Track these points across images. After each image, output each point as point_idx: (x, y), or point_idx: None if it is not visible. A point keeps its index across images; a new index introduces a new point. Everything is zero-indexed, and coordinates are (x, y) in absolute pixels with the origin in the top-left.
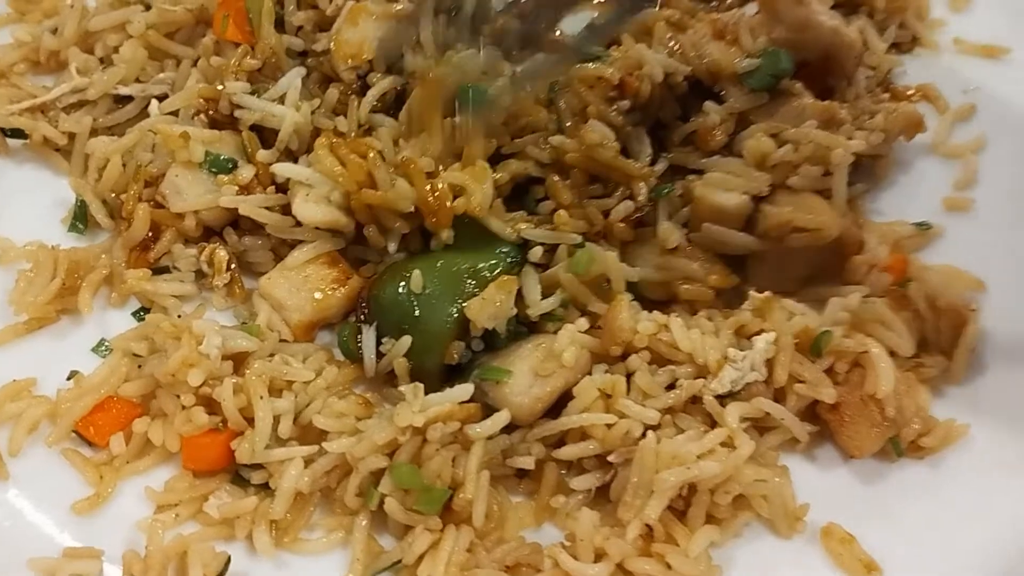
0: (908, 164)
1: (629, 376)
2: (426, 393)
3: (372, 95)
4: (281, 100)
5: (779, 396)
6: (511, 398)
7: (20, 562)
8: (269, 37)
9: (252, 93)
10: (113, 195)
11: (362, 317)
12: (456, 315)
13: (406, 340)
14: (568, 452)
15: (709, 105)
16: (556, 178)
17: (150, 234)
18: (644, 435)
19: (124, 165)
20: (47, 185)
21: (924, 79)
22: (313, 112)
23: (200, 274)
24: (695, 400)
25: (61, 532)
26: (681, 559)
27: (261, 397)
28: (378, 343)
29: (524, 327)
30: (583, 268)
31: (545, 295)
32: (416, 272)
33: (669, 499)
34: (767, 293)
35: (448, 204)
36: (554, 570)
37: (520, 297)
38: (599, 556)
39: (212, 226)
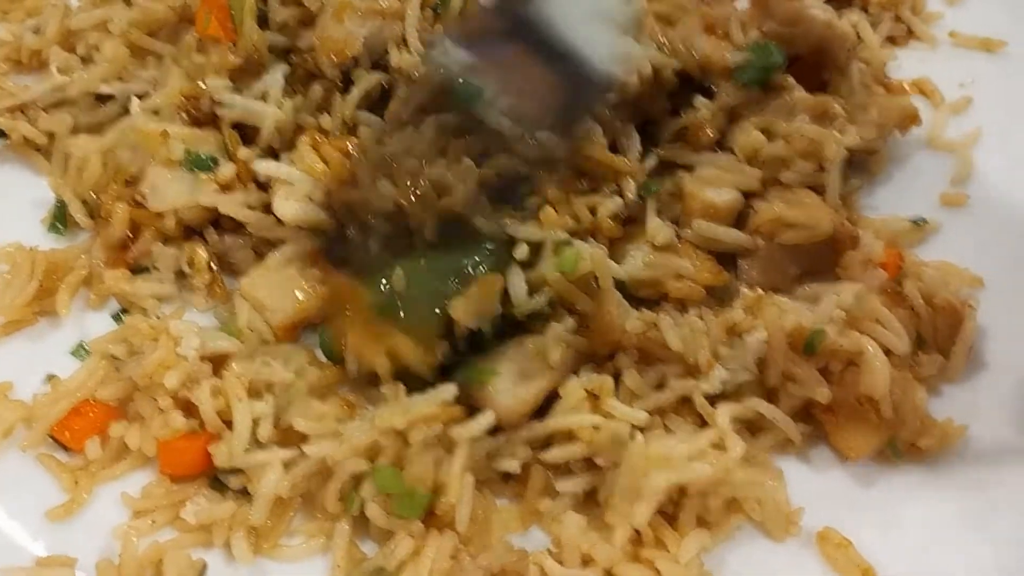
0: (903, 158)
1: (617, 376)
2: (409, 394)
3: (356, 92)
4: (263, 97)
5: (772, 396)
6: (496, 399)
7: None
8: (251, 34)
9: (234, 91)
10: (93, 195)
11: None
12: (440, 314)
13: None
14: (554, 454)
15: (699, 100)
16: (543, 174)
17: (129, 234)
18: (632, 436)
19: (105, 165)
20: (27, 185)
21: (919, 73)
22: (297, 110)
23: (180, 274)
24: (685, 400)
25: (35, 540)
26: (671, 565)
27: (239, 399)
28: None
29: (510, 327)
30: (570, 266)
31: (532, 293)
32: (399, 271)
33: (658, 503)
34: (759, 290)
35: (431, 202)
36: None
37: (506, 296)
38: (586, 562)
39: (193, 225)
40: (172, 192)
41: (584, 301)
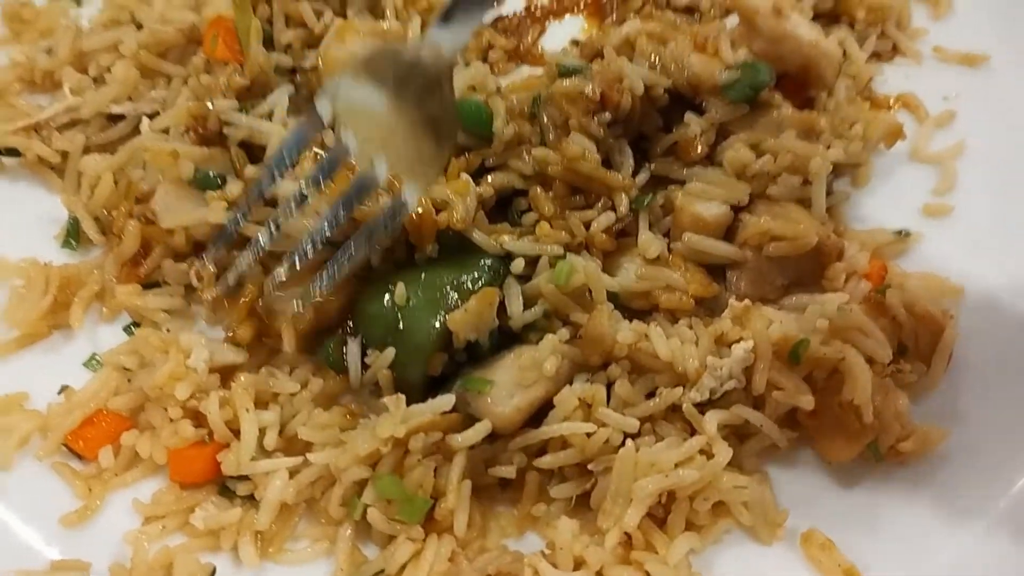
0: (889, 171)
1: (610, 385)
2: (409, 404)
3: None
4: (269, 117)
5: (758, 403)
6: (492, 408)
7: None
8: (257, 56)
9: (240, 110)
10: (105, 212)
11: (347, 329)
12: (439, 327)
13: (390, 352)
14: (549, 461)
15: (690, 117)
16: (539, 190)
17: (141, 250)
18: (624, 443)
19: (116, 182)
20: (41, 202)
21: (904, 88)
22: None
23: (190, 288)
24: (675, 408)
25: (49, 545)
26: (661, 567)
27: (247, 410)
28: (363, 355)
29: (507, 338)
30: (564, 279)
31: (528, 306)
32: (400, 285)
33: (648, 507)
34: (746, 301)
35: (431, 218)
36: None
37: (503, 308)
38: (578, 564)
39: (202, 241)
40: (182, 209)
41: (578, 313)
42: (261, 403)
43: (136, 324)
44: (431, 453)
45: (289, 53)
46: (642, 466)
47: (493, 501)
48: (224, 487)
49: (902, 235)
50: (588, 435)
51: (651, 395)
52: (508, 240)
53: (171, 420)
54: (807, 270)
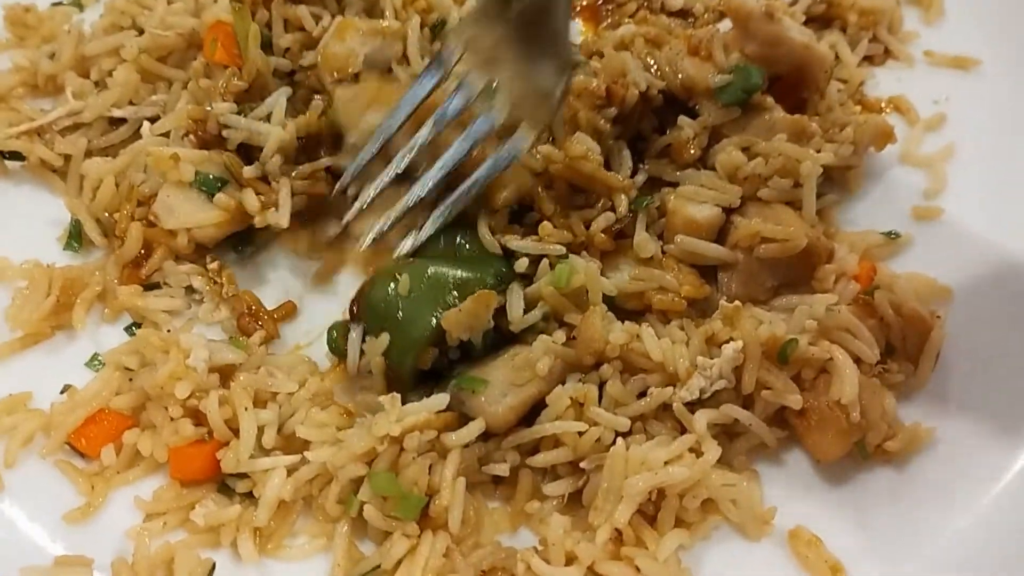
0: (879, 174)
1: (601, 384)
2: (401, 397)
3: None
4: (268, 119)
5: (748, 403)
6: (486, 407)
7: (12, 571)
8: (256, 59)
9: (239, 113)
10: (107, 214)
11: (353, 315)
12: (434, 323)
13: (384, 338)
14: (542, 459)
15: (683, 120)
16: (541, 189)
17: (142, 252)
18: (615, 442)
19: (117, 185)
20: (44, 205)
21: (895, 91)
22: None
23: (190, 289)
24: (666, 407)
25: (53, 541)
26: (650, 562)
27: (246, 408)
28: (363, 342)
29: (503, 338)
30: (564, 281)
31: (527, 309)
32: (405, 276)
33: (638, 504)
34: (737, 302)
35: None
36: (527, 574)
37: (500, 309)
38: (570, 560)
39: (203, 243)
40: (183, 212)
41: (574, 313)
42: (260, 402)
43: (137, 324)
44: (426, 451)
45: (288, 56)
46: (633, 464)
47: (487, 498)
48: (224, 484)
49: (892, 237)
50: (580, 434)
51: (642, 395)
52: (511, 239)
53: (172, 419)
54: (797, 272)
